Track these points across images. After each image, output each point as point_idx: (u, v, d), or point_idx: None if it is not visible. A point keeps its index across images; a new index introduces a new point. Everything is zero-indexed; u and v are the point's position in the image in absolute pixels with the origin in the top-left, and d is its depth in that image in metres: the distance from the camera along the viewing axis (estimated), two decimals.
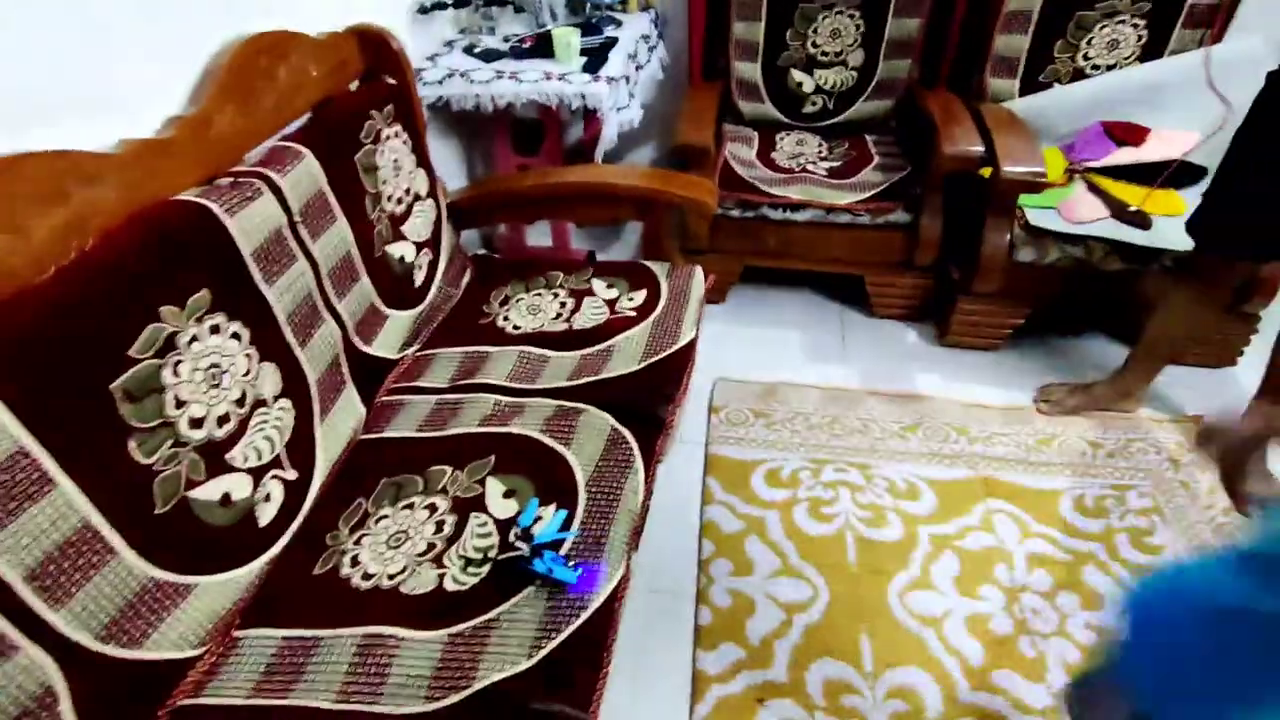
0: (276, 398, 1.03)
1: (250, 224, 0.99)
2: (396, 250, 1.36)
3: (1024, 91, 1.97)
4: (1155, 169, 1.73)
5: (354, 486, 1.11)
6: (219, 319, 0.94)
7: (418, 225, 1.42)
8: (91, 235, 0.85)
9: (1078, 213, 1.69)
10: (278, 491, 1.02)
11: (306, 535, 1.04)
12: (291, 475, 1.04)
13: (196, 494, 0.90)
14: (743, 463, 1.61)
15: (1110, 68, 1.91)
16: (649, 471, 1.11)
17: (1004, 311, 1.84)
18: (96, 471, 0.78)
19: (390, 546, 1.01)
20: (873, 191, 1.85)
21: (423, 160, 1.45)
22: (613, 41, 1.82)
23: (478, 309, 1.48)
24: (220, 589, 0.92)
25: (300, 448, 1.07)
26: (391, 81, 1.39)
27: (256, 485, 0.98)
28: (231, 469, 0.95)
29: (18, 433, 0.71)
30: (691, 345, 1.34)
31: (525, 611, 0.91)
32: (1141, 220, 1.66)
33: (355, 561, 1.00)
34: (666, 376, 1.26)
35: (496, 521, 1.02)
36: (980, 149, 1.67)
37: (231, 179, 1.03)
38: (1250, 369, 1.82)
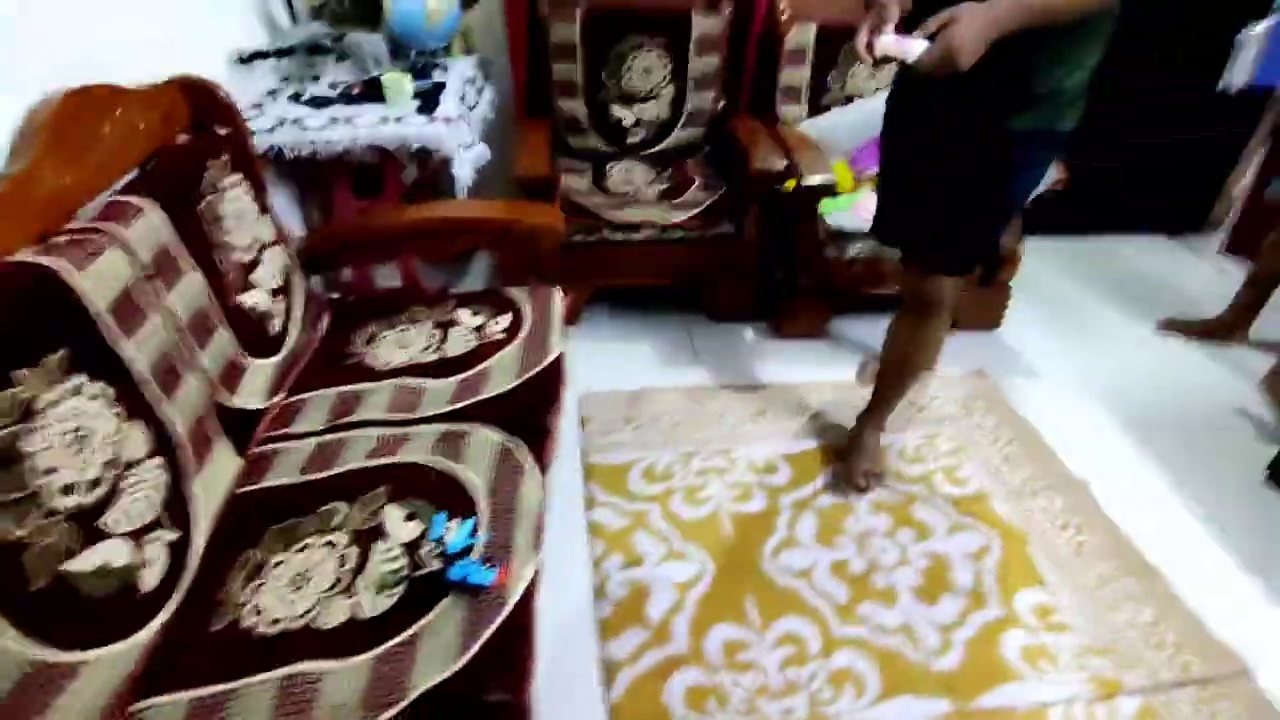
0: (148, 456, 0.99)
1: (100, 280, 0.96)
2: (249, 299, 1.33)
3: (811, 114, 2.30)
4: None
5: (239, 539, 1.08)
6: (80, 380, 0.90)
7: (268, 273, 1.40)
8: None
9: (867, 212, 2.00)
10: (161, 554, 0.97)
11: (197, 595, 1.00)
12: (173, 535, 1.00)
13: (73, 565, 0.85)
14: (618, 466, 1.72)
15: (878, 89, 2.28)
16: (544, 475, 1.18)
17: (823, 303, 2.12)
18: None
19: (294, 589, 1.00)
20: (699, 209, 2.07)
21: (265, 208, 1.43)
22: (441, 85, 1.90)
23: (342, 350, 1.47)
24: (111, 662, 0.87)
25: (178, 507, 1.03)
26: (223, 131, 1.37)
27: (138, 548, 0.93)
28: (107, 535, 0.90)
29: None
30: (560, 358, 1.43)
31: (446, 621, 0.95)
32: None
33: (258, 611, 0.98)
34: (543, 388, 1.35)
35: (403, 545, 1.05)
36: (783, 164, 1.94)
37: (69, 236, 0.98)
38: (1011, 330, 2.25)
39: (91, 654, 0.85)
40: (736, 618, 1.39)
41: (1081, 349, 2.21)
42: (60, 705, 0.80)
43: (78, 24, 1.19)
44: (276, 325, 1.40)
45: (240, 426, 1.23)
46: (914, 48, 1.12)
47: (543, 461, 1.21)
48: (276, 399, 1.34)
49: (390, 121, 1.68)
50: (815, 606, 1.41)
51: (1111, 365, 2.14)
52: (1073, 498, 1.67)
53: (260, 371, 1.32)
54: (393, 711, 0.85)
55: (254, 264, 1.36)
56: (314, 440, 1.25)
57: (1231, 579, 1.51)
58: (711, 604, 1.41)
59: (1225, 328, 2.20)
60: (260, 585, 1.01)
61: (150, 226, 1.08)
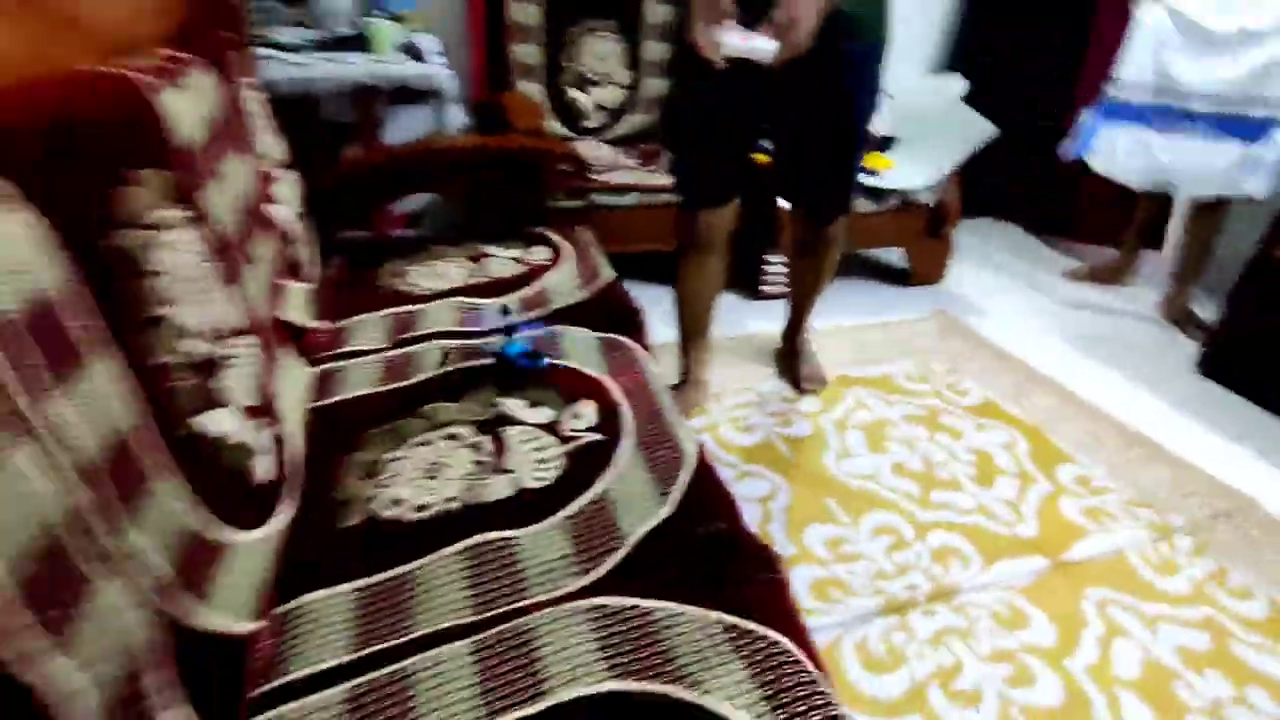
0: (239, 331, 0.81)
1: (186, 106, 0.80)
2: (278, 212, 1.16)
3: None
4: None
5: (335, 447, 0.91)
6: (177, 212, 0.73)
7: (289, 192, 1.23)
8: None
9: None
10: (268, 443, 0.79)
11: (311, 498, 0.82)
12: (273, 428, 0.82)
13: (202, 423, 0.67)
14: None
15: None
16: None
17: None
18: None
19: (430, 478, 0.85)
20: None
21: (275, 126, 1.27)
22: (414, 45, 1.82)
23: (371, 283, 1.32)
24: (250, 550, 0.69)
25: (267, 400, 0.85)
26: (229, 35, 1.21)
27: (248, 427, 0.75)
28: (222, 402, 0.72)
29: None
30: (618, 280, 1.37)
31: (631, 479, 0.85)
32: (871, 173, 2.18)
33: (397, 501, 0.82)
34: (616, 295, 1.28)
35: (539, 426, 0.93)
36: None
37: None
38: (954, 279, 2.47)
39: (239, 536, 0.67)
40: (827, 518, 1.36)
41: (1012, 291, 2.47)
42: (219, 582, 0.61)
43: None
44: (298, 250, 1.23)
45: (296, 340, 1.05)
46: (760, 47, 1.14)
47: (647, 345, 1.14)
48: (319, 323, 1.16)
49: (385, 64, 1.58)
50: (893, 500, 1.42)
51: (1040, 301, 2.41)
52: (1059, 397, 1.82)
53: (297, 293, 1.15)
54: (617, 557, 0.74)
55: (272, 175, 1.19)
56: (379, 356, 1.10)
57: (1209, 441, 1.71)
58: (798, 511, 1.37)
59: (1116, 271, 2.56)
60: (386, 480, 0.85)
61: (204, 85, 0.92)
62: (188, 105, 0.82)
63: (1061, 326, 2.24)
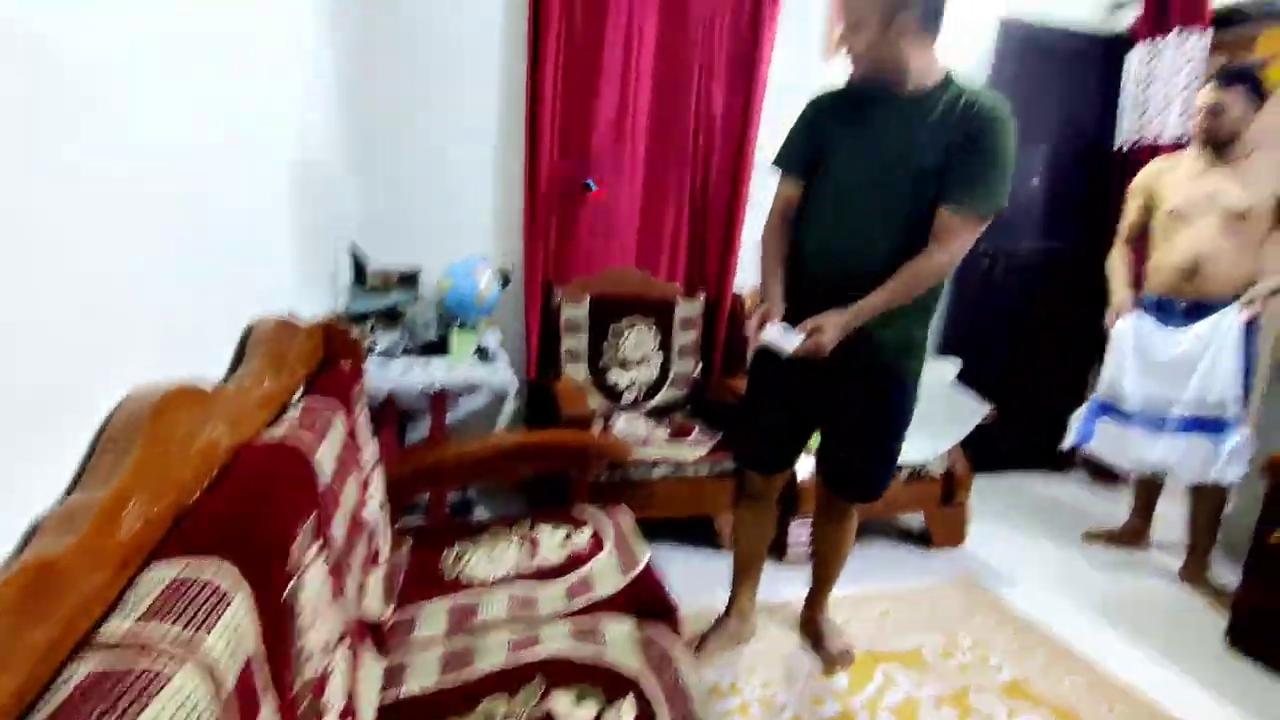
0: (339, 641, 0.98)
1: (325, 457, 1.04)
2: (368, 512, 1.38)
3: None
4: None
5: None
6: (316, 546, 0.94)
7: (377, 488, 1.46)
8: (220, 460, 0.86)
9: None
10: None
11: None
12: None
13: None
14: None
15: None
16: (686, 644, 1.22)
17: None
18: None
19: None
20: (709, 446, 2.34)
21: (372, 432, 1.54)
22: (485, 347, 2.18)
23: (433, 569, 1.49)
24: None
25: (350, 703, 0.98)
26: (349, 366, 1.53)
27: None
28: (323, 713, 0.86)
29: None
30: (650, 566, 1.52)
31: None
32: None
33: None
34: (651, 586, 1.43)
35: None
36: None
37: (297, 423, 1.07)
38: (975, 543, 2.56)
39: None
40: None
41: (1033, 551, 2.54)
42: None
43: (257, 277, 1.40)
44: (377, 542, 1.42)
45: (373, 631, 1.20)
46: (788, 343, 1.48)
47: (681, 635, 1.26)
48: (388, 612, 1.32)
49: (460, 370, 1.91)
50: None
51: (1064, 562, 2.47)
52: (1091, 676, 1.83)
53: (375, 583, 1.32)
54: None
55: (369, 479, 1.43)
56: (440, 647, 1.23)
57: None
58: None
59: (1132, 535, 2.64)
60: None
61: (339, 427, 1.19)
62: (328, 452, 1.07)
63: (1087, 591, 2.29)
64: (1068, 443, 2.54)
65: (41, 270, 0.65)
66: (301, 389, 1.31)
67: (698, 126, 2.66)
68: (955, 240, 1.44)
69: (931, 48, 1.45)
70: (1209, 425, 2.20)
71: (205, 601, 0.64)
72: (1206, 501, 2.32)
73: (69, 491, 0.68)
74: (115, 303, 0.78)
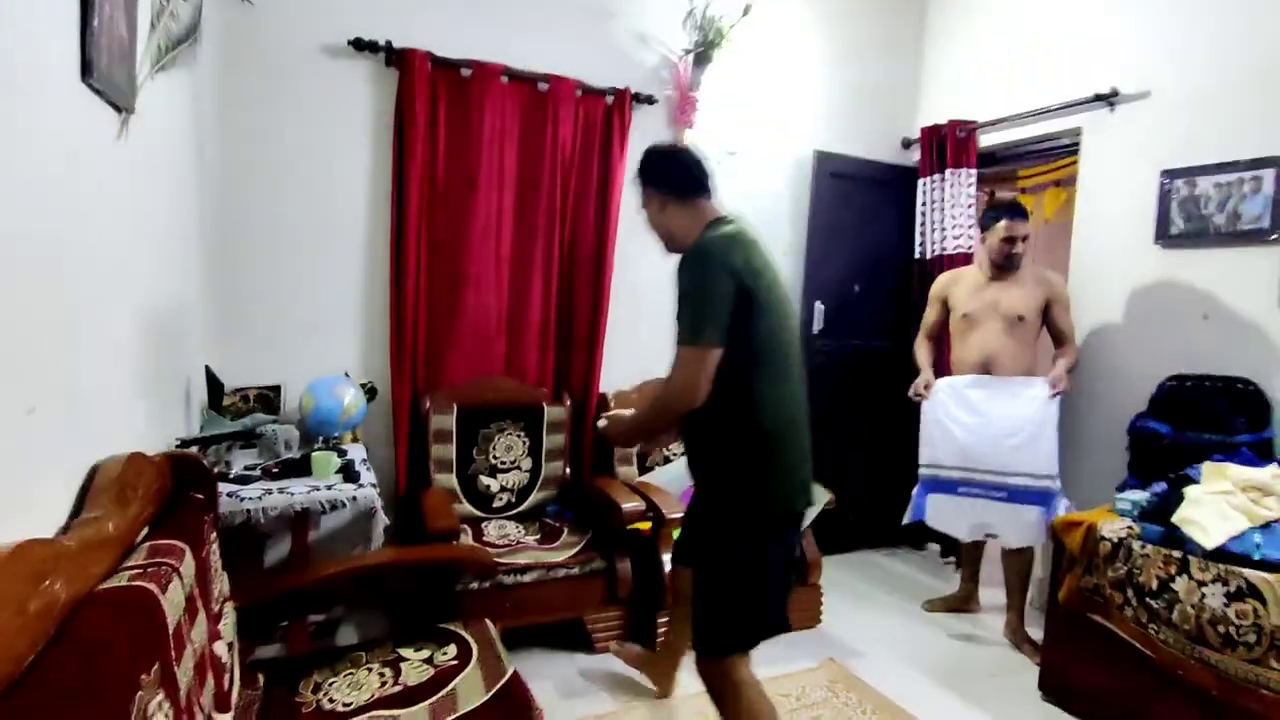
0: None
1: (172, 604, 1.04)
2: (219, 649, 1.34)
3: (641, 474, 2.91)
4: None
5: None
6: (160, 696, 0.93)
7: (228, 625, 1.43)
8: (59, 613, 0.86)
9: None
10: None
11: None
12: None
13: None
14: None
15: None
16: None
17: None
18: None
19: None
20: (578, 547, 2.42)
21: (223, 565, 1.51)
22: (351, 462, 2.18)
23: (291, 703, 1.45)
24: None
25: None
26: (200, 496, 1.51)
27: None
28: None
29: None
30: (517, 674, 1.56)
31: None
32: None
33: None
34: (516, 698, 1.46)
35: None
36: (643, 504, 2.44)
37: (140, 569, 1.07)
38: (830, 622, 2.75)
39: None
40: None
41: (883, 627, 2.77)
42: None
43: (104, 415, 1.38)
44: (228, 681, 1.38)
45: None
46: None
47: None
48: None
49: (322, 489, 1.91)
50: None
51: (911, 638, 2.70)
52: None
53: None
54: None
55: (221, 614, 1.40)
56: None
57: None
58: None
59: (963, 600, 2.95)
60: None
61: (188, 565, 1.18)
62: (177, 591, 1.07)
63: (932, 658, 2.53)
64: (906, 519, 2.81)
65: None
66: (149, 527, 1.29)
67: (561, 244, 2.87)
68: (673, 369, 1.50)
69: (701, 208, 1.61)
70: (1035, 496, 2.51)
71: None
72: (1017, 563, 2.66)
73: None
74: None
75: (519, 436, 2.79)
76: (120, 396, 1.42)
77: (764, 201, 3.29)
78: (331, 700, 1.45)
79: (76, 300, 1.17)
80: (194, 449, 1.87)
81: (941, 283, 2.87)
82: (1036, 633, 2.57)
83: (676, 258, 1.56)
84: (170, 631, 1.01)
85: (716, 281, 1.45)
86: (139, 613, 0.95)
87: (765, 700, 1.59)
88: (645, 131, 2.94)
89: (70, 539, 0.97)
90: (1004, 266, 2.64)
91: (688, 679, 2.21)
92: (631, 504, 2.44)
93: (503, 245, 2.77)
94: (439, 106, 2.60)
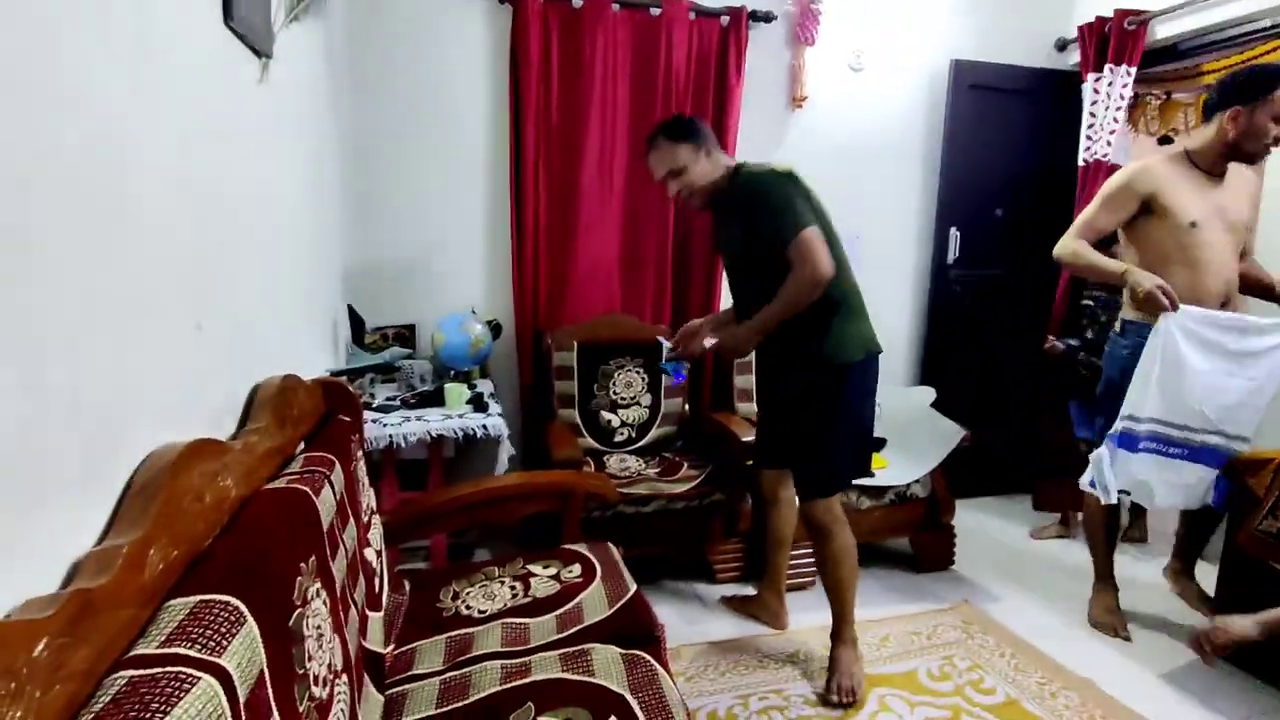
0: (342, 671, 1.06)
1: (325, 504, 1.14)
2: (369, 554, 1.46)
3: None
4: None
5: None
6: (319, 584, 1.03)
7: (376, 534, 1.55)
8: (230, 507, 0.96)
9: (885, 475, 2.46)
10: None
11: None
12: None
13: None
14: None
15: None
16: (669, 672, 1.30)
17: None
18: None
19: None
20: (697, 480, 2.43)
21: (370, 480, 1.64)
22: (480, 394, 2.29)
23: (433, 608, 1.57)
24: None
25: None
26: (347, 419, 1.64)
27: None
28: None
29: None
30: (640, 592, 1.60)
31: None
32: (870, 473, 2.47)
33: None
34: (637, 612, 1.50)
35: None
36: None
37: (295, 475, 1.18)
38: (963, 565, 2.61)
39: None
40: None
41: (1019, 568, 2.60)
42: None
43: (263, 339, 1.52)
44: (378, 584, 1.51)
45: (370, 669, 1.28)
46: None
47: (666, 663, 1.33)
48: (389, 649, 1.39)
49: (454, 418, 2.02)
50: None
51: (1050, 585, 2.52)
52: (1086, 693, 1.87)
53: (376, 622, 1.40)
54: None
55: (369, 524, 1.52)
56: (438, 679, 1.31)
57: None
58: None
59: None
60: None
61: (338, 476, 1.29)
62: (329, 498, 1.17)
63: (1079, 607, 2.32)
64: (1087, 482, 2.11)
65: (88, 344, 0.76)
66: (304, 443, 1.42)
67: None
68: (799, 259, 1.73)
69: (719, 157, 1.92)
70: (1220, 457, 2.01)
71: (221, 625, 0.73)
72: (1201, 521, 2.29)
73: (103, 536, 0.78)
74: (145, 369, 0.90)
75: (638, 373, 2.81)
76: (276, 325, 1.55)
77: (892, 122, 3.06)
78: (468, 607, 1.56)
79: (235, 234, 1.28)
80: (342, 379, 2.03)
81: (1144, 176, 2.02)
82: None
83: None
84: (325, 529, 1.11)
85: (790, 190, 1.80)
86: (296, 508, 1.04)
87: (853, 539, 1.93)
88: (763, 52, 2.78)
89: (238, 444, 1.07)
90: (1252, 157, 1.97)
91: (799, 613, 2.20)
92: (751, 437, 2.40)
93: (616, 181, 2.76)
94: (551, 41, 2.59)
